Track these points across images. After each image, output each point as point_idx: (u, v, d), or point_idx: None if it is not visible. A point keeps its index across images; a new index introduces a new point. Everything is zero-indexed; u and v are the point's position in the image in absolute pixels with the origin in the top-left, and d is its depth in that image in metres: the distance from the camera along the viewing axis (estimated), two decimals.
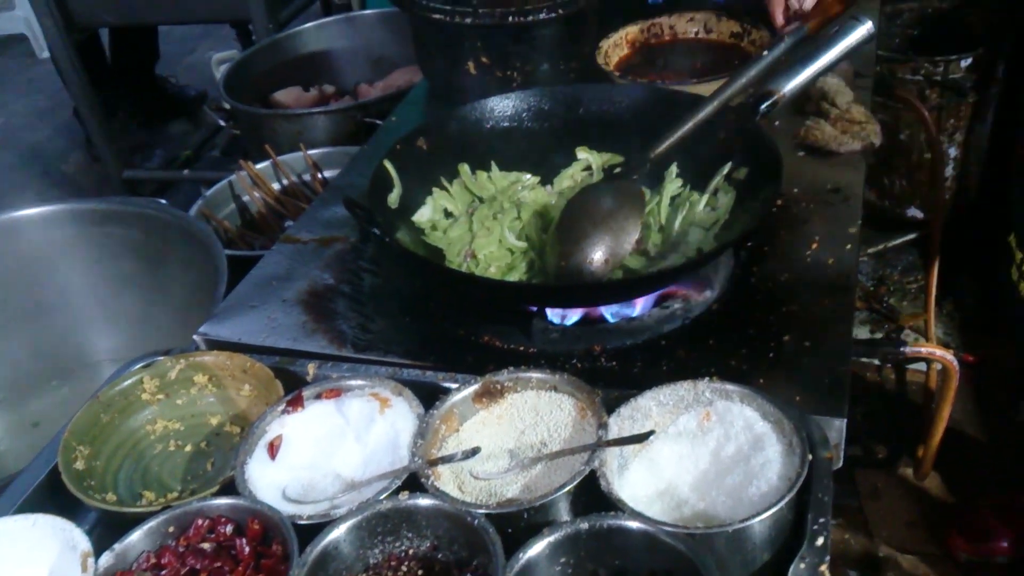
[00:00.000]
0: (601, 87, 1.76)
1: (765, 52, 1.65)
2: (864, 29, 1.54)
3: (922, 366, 2.64)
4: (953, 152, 3.13)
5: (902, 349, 1.54)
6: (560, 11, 1.94)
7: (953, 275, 3.01)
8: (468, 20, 1.94)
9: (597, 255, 1.45)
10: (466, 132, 1.72)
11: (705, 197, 1.56)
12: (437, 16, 1.96)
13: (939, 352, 1.60)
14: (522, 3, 2.01)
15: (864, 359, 1.47)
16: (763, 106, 1.53)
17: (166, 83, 4.71)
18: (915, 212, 3.29)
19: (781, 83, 1.55)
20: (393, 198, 1.60)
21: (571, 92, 1.76)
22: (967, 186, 3.21)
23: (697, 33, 2.12)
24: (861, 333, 3.03)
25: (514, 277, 1.54)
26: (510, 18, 1.93)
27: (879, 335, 3.01)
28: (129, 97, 4.42)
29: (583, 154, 1.71)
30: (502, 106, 1.74)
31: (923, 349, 1.61)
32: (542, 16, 1.93)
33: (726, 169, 1.56)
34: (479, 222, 1.61)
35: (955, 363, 1.63)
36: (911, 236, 3.34)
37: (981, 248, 2.86)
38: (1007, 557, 2.30)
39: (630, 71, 2.04)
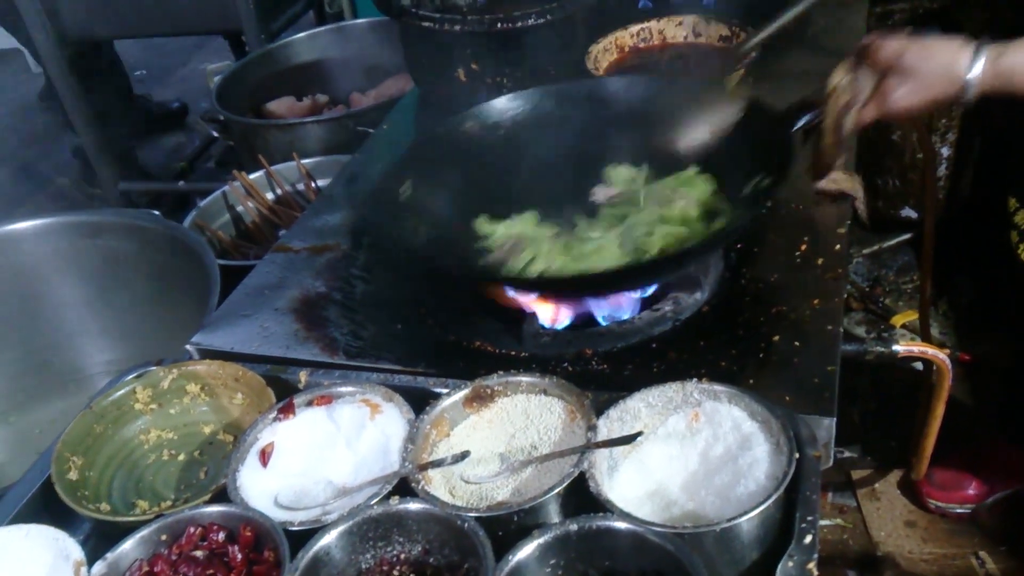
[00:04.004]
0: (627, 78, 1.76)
1: None
2: None
3: (919, 365, 2.64)
4: (946, 152, 3.12)
5: (894, 348, 1.54)
6: (549, 17, 1.95)
7: (948, 275, 3.01)
8: (458, 28, 1.95)
9: None
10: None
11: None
12: (427, 24, 1.97)
13: (931, 351, 1.60)
14: (511, 10, 2.01)
15: (858, 359, 1.46)
16: None
17: (145, 101, 4.75)
18: (909, 212, 3.28)
19: None
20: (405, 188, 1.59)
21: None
22: (960, 186, 3.21)
23: (686, 37, 2.13)
24: (857, 333, 3.03)
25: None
26: (499, 25, 1.94)
27: (874, 335, 3.01)
28: (111, 115, 4.43)
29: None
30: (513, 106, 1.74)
31: (915, 348, 1.60)
32: (531, 22, 1.94)
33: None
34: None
35: (947, 362, 1.62)
36: (906, 236, 3.33)
37: (976, 247, 2.86)
38: (972, 504, 2.47)
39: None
